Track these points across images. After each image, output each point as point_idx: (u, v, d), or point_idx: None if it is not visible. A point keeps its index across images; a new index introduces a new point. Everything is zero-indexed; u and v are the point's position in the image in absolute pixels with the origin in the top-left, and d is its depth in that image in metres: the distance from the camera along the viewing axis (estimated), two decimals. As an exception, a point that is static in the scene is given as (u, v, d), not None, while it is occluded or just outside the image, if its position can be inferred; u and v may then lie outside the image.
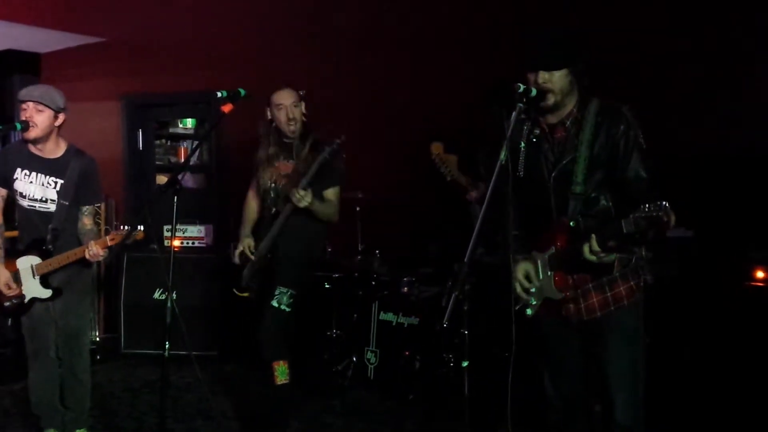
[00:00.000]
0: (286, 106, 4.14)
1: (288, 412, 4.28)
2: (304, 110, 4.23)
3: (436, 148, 3.48)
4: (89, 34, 7.23)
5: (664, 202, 2.47)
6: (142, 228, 3.81)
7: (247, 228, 4.44)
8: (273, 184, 4.24)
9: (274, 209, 4.19)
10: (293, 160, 4.20)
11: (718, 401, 4.28)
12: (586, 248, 2.73)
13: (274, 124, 4.22)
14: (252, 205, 4.47)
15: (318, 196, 4.09)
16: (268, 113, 4.22)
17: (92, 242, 3.79)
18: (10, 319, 4.12)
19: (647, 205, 2.52)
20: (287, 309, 4.11)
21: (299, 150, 4.18)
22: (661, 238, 2.57)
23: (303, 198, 3.95)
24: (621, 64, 4.99)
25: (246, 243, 4.35)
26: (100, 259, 3.87)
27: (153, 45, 7.21)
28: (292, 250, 4.18)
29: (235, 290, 4.30)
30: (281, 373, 4.09)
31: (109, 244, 3.79)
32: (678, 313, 4.46)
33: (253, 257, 4.26)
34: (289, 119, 4.14)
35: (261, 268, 4.22)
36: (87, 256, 3.82)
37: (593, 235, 2.71)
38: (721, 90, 4.96)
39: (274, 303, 4.10)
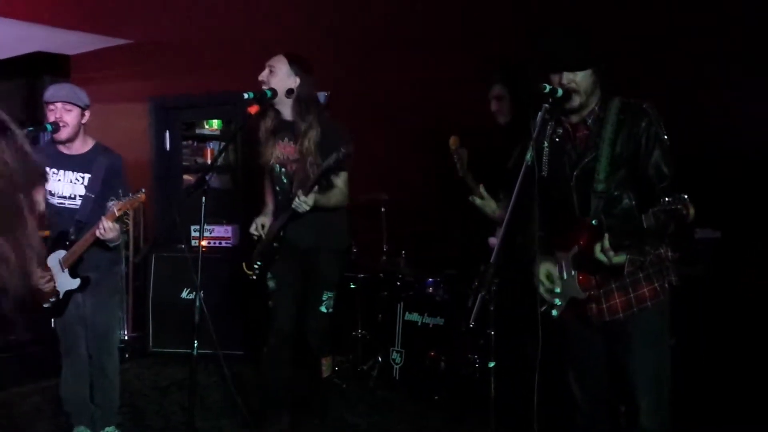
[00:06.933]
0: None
1: (329, 402, 4.46)
2: (297, 80, 3.97)
3: (454, 141, 3.53)
4: (117, 36, 7.32)
5: (683, 195, 2.46)
6: (143, 190, 3.86)
7: (268, 205, 4.34)
8: (283, 169, 4.11)
9: (291, 193, 4.02)
10: (293, 143, 4.03)
11: (746, 404, 4.24)
12: (597, 248, 2.71)
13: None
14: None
15: (323, 189, 3.99)
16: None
17: (102, 218, 3.82)
18: (53, 320, 4.15)
19: (666, 199, 2.50)
20: (332, 311, 4.19)
21: (300, 130, 3.99)
22: (681, 231, 2.55)
23: (303, 204, 3.85)
24: (647, 63, 4.96)
25: (260, 221, 4.27)
26: (114, 235, 3.85)
27: (180, 47, 7.29)
28: (312, 240, 4.08)
29: (244, 265, 4.24)
30: (327, 367, 4.31)
31: (117, 214, 3.81)
32: (706, 313, 4.43)
33: (261, 238, 4.20)
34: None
35: (267, 253, 4.16)
36: (98, 234, 3.84)
37: (606, 234, 2.68)
38: (750, 89, 4.90)
39: (323, 309, 4.13)
